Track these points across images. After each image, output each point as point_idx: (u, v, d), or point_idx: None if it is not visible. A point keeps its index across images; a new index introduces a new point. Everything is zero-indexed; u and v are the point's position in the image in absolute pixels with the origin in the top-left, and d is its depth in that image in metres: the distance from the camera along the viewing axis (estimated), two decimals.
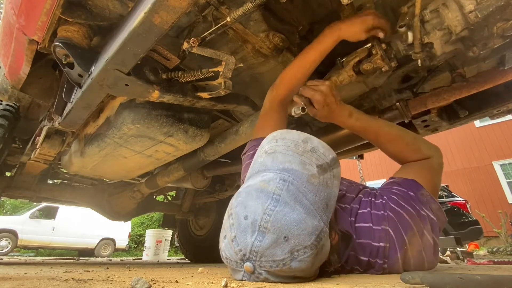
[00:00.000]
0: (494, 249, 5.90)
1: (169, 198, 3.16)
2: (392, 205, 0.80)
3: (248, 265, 0.56)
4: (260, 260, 0.55)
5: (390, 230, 0.76)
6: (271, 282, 0.57)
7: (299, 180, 0.61)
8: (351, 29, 0.91)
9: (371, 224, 0.79)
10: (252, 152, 0.96)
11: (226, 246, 0.61)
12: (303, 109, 0.95)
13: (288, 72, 1.05)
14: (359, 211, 0.84)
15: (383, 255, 0.76)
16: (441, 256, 2.21)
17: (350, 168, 12.34)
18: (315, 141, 0.68)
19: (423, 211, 0.79)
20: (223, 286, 0.52)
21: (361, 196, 0.90)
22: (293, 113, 0.97)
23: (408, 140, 0.97)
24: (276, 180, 0.60)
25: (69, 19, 0.80)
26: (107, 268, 1.35)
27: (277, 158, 0.65)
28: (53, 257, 6.59)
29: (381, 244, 0.76)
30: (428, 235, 0.77)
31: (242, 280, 0.60)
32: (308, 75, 1.04)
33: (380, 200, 0.84)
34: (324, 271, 0.67)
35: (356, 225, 0.81)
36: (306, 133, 0.71)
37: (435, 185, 0.91)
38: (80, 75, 0.88)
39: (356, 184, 1.01)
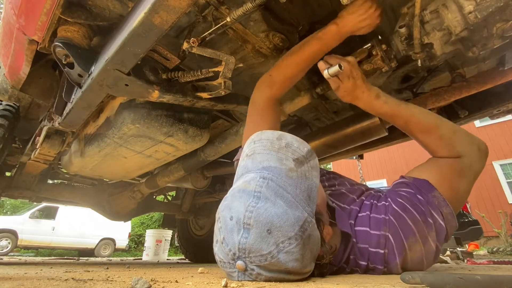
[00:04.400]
0: (494, 249, 5.90)
1: (169, 198, 3.17)
2: (396, 208, 0.77)
3: (239, 263, 0.57)
4: (249, 256, 0.56)
5: (390, 236, 0.75)
6: (266, 279, 0.58)
7: (278, 175, 0.63)
8: (356, 15, 0.83)
9: (368, 229, 0.79)
10: None
11: (218, 249, 0.63)
12: (340, 67, 0.83)
13: (287, 66, 0.96)
14: (359, 214, 0.84)
15: (383, 261, 0.76)
16: (441, 256, 2.20)
17: (350, 168, 12.33)
18: (288, 137, 0.70)
19: (430, 218, 0.74)
20: (223, 286, 0.52)
21: (363, 198, 0.90)
22: (327, 74, 0.87)
23: (443, 132, 0.86)
24: (256, 178, 0.62)
25: (69, 19, 0.80)
26: (107, 268, 1.35)
27: (256, 158, 0.68)
28: (53, 257, 6.59)
29: (379, 250, 0.76)
30: (431, 242, 0.74)
31: (238, 281, 0.60)
32: (307, 69, 0.98)
33: (383, 202, 0.82)
34: (316, 264, 0.67)
35: (356, 228, 0.81)
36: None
37: (458, 188, 0.81)
38: (80, 75, 0.88)
39: (359, 186, 1.00)
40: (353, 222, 0.83)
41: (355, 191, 0.95)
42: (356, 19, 0.83)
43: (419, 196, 0.78)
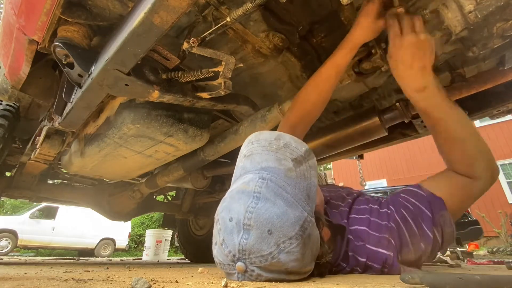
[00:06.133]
0: (494, 249, 5.90)
1: (169, 198, 3.17)
2: (397, 218, 0.80)
3: (239, 264, 0.57)
4: (249, 258, 0.56)
5: (392, 241, 0.77)
6: (266, 280, 0.58)
7: (277, 176, 0.63)
8: (362, 26, 0.82)
9: (367, 229, 0.81)
10: None
11: (217, 251, 0.63)
12: None
13: (300, 93, 0.97)
14: (355, 216, 0.86)
15: (383, 262, 0.77)
16: (441, 256, 2.20)
17: (350, 168, 12.33)
18: (286, 137, 0.70)
19: (430, 232, 0.76)
20: (223, 286, 0.52)
21: (350, 201, 0.92)
22: None
23: (468, 148, 0.81)
24: (256, 179, 0.62)
25: (69, 19, 0.80)
26: (107, 268, 1.35)
27: (255, 159, 0.68)
28: (53, 257, 6.59)
29: (381, 250, 0.77)
30: (422, 255, 0.77)
31: (237, 281, 0.60)
32: (325, 96, 0.96)
33: (385, 209, 0.84)
34: (316, 264, 0.67)
35: (351, 228, 0.83)
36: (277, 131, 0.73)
37: (463, 208, 0.84)
38: (80, 75, 0.88)
39: (337, 189, 1.03)
40: (346, 221, 0.85)
41: (338, 197, 0.97)
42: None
43: (427, 212, 0.79)
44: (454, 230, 0.79)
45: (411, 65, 0.76)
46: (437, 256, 2.19)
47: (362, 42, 0.86)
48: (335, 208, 0.91)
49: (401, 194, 0.86)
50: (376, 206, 0.86)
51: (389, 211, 0.82)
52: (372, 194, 1.00)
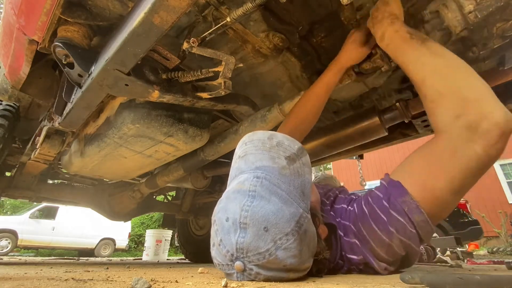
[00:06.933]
0: (494, 249, 5.91)
1: (169, 198, 3.17)
2: (357, 215, 0.78)
3: (238, 264, 0.57)
4: (247, 256, 0.56)
5: (358, 243, 0.76)
6: (265, 278, 0.58)
7: (272, 174, 0.63)
8: (348, 51, 0.92)
9: (342, 234, 0.80)
10: None
11: (215, 252, 0.63)
12: None
13: (296, 105, 1.05)
14: (331, 214, 0.86)
15: (363, 265, 0.76)
16: (441, 256, 2.21)
17: (350, 168, 12.33)
18: (279, 136, 0.71)
19: (390, 224, 0.69)
20: (223, 286, 0.52)
21: (332, 199, 0.93)
22: None
23: (427, 91, 0.69)
24: (250, 178, 0.63)
25: (69, 19, 0.80)
26: (107, 268, 1.35)
27: (249, 159, 0.68)
28: (53, 257, 6.58)
29: (353, 256, 0.77)
30: (396, 248, 0.71)
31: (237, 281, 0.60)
32: (316, 110, 1.03)
33: (350, 208, 0.83)
34: (314, 261, 0.67)
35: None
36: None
37: (432, 187, 0.65)
38: (80, 75, 0.88)
39: (327, 189, 1.02)
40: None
41: (325, 195, 0.97)
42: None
43: (384, 202, 0.71)
44: (426, 219, 0.66)
45: (371, 22, 0.83)
46: (437, 256, 2.19)
47: (349, 65, 0.95)
48: (324, 206, 0.92)
49: (374, 188, 0.80)
50: (345, 206, 0.86)
51: (351, 209, 0.81)
52: (350, 192, 1.00)
